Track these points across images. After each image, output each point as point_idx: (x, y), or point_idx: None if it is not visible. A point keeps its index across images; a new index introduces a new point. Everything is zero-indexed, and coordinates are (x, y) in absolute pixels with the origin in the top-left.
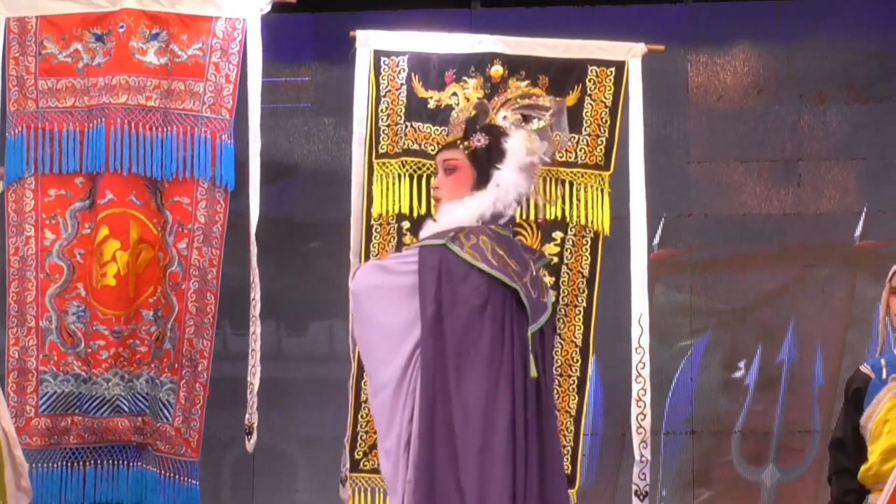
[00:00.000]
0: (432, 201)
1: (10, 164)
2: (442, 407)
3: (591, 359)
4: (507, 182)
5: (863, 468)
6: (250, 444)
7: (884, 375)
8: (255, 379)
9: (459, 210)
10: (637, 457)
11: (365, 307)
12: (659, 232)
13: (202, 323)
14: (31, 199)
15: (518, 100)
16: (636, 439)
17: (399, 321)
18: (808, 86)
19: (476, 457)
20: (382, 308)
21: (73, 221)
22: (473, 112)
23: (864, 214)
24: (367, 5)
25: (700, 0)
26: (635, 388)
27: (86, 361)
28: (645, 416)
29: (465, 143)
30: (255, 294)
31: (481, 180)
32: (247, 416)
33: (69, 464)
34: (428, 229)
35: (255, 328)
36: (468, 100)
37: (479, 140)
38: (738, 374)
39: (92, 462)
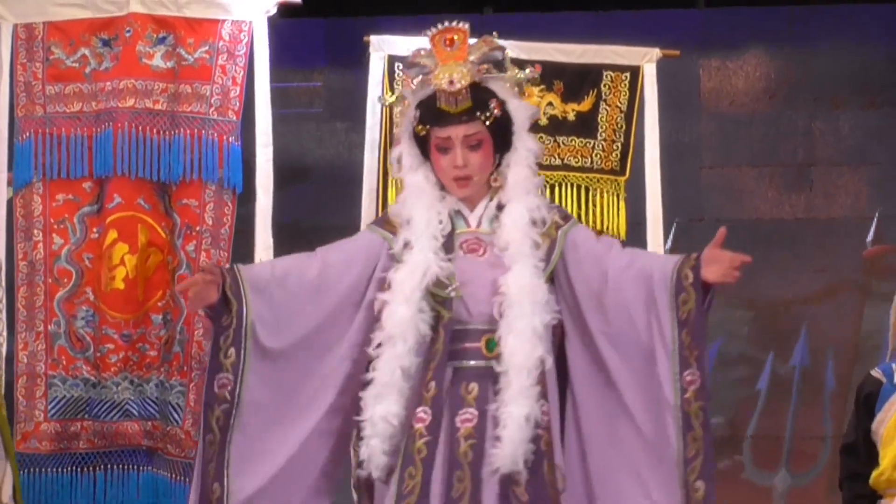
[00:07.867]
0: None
1: (18, 169)
2: None
3: None
4: (528, 146)
5: (875, 473)
6: None
7: (895, 380)
8: None
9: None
10: None
11: None
12: (671, 237)
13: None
14: (39, 205)
15: (476, 55)
16: None
17: None
18: (821, 91)
19: None
20: None
21: (82, 226)
22: (471, 77)
23: (876, 219)
24: (379, 10)
25: (712, 5)
26: None
27: (95, 365)
28: None
29: (486, 115)
30: None
31: (500, 149)
32: None
33: (79, 469)
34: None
35: None
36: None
37: (496, 107)
38: (750, 378)
39: (102, 467)
